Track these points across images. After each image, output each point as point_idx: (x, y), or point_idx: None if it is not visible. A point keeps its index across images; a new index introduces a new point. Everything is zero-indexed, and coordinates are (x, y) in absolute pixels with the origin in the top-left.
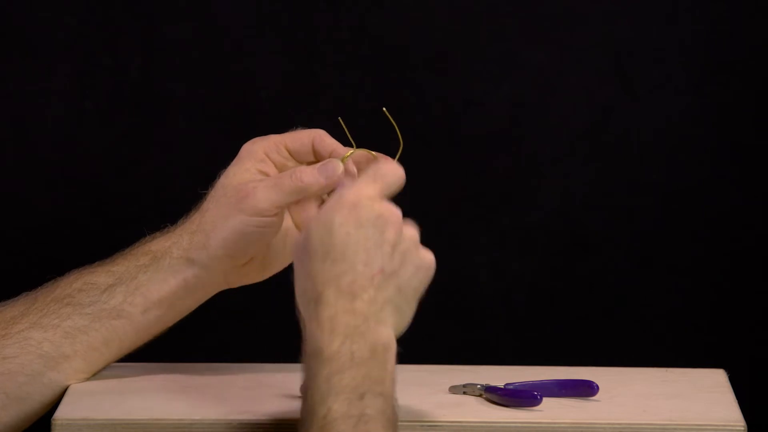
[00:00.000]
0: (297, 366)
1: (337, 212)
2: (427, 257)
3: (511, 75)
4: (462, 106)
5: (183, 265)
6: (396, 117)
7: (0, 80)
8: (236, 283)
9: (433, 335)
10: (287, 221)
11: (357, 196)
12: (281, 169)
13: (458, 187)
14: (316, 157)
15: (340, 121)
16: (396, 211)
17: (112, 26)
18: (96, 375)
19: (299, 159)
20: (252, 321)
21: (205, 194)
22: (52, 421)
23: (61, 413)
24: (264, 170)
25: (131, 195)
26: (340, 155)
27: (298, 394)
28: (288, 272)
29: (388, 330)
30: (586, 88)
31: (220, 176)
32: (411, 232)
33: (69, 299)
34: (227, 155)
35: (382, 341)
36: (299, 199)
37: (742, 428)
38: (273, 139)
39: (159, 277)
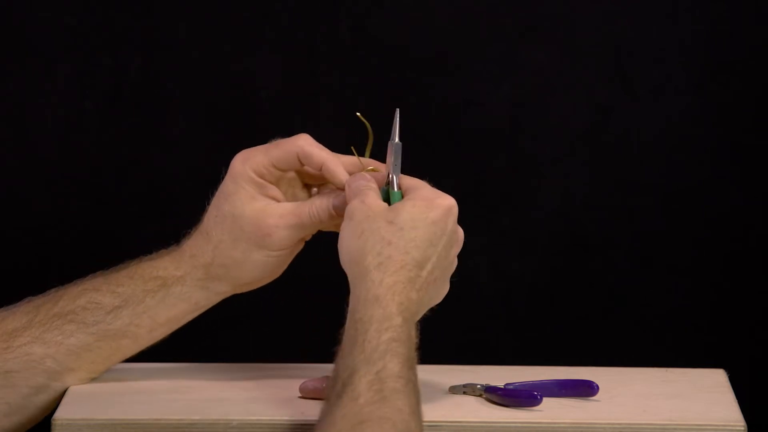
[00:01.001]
0: (297, 366)
1: (434, 210)
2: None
3: (511, 75)
4: (462, 106)
5: (195, 292)
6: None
7: (0, 80)
8: (243, 291)
9: (433, 335)
10: None
11: (451, 204)
12: (278, 184)
13: (458, 187)
14: (305, 167)
15: (360, 116)
16: (463, 236)
17: (112, 26)
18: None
19: (288, 170)
20: (252, 321)
21: (202, 216)
22: (52, 421)
23: (61, 413)
24: (270, 195)
25: (131, 195)
26: (331, 169)
27: (298, 394)
28: (285, 269)
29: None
30: (586, 88)
31: (219, 200)
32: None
33: (73, 316)
34: (227, 155)
35: (414, 335)
36: (315, 231)
37: (742, 428)
38: (260, 159)
39: (168, 303)
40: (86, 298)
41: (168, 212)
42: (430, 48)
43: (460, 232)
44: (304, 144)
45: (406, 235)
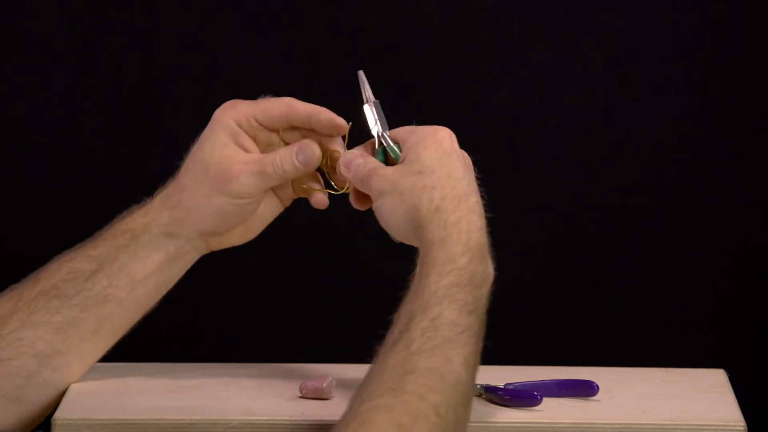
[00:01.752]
0: (297, 366)
1: (443, 142)
2: None
3: (511, 75)
4: (462, 106)
5: (164, 240)
6: (396, 117)
7: (0, 80)
8: (218, 247)
9: None
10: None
11: (450, 132)
12: (254, 137)
13: None
14: (294, 127)
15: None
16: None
17: (112, 26)
18: (96, 375)
19: (271, 128)
20: (252, 321)
21: (179, 165)
22: (52, 421)
23: (61, 413)
24: (240, 143)
25: (131, 195)
26: (317, 111)
27: (298, 394)
28: (285, 270)
29: (492, 265)
30: (586, 88)
31: (193, 146)
32: None
33: (55, 291)
34: None
35: (490, 272)
36: (280, 182)
37: (742, 428)
38: (243, 109)
39: (141, 254)
40: (65, 270)
41: None
42: (430, 48)
43: (467, 156)
44: (292, 100)
45: (441, 173)
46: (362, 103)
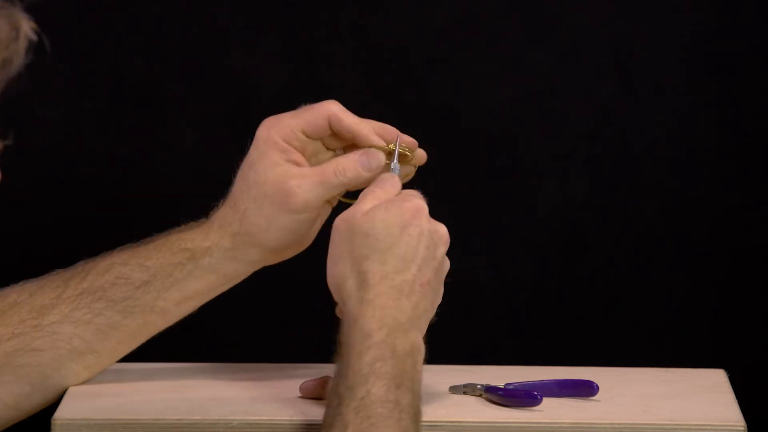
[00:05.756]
0: (296, 366)
1: (404, 214)
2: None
3: (511, 75)
4: (462, 106)
5: (224, 263)
6: (396, 117)
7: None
8: (273, 262)
9: (433, 335)
10: None
11: (420, 206)
12: (303, 152)
13: (458, 187)
14: (335, 134)
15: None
16: (446, 233)
17: (112, 26)
18: (96, 375)
19: (317, 138)
20: (252, 321)
21: (229, 189)
22: (52, 421)
23: (61, 413)
24: (293, 159)
25: (131, 195)
26: (363, 134)
27: (298, 394)
28: (286, 270)
29: (420, 337)
30: (586, 88)
31: (244, 168)
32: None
33: (101, 293)
34: (227, 155)
35: (417, 344)
36: (342, 191)
37: (742, 428)
38: (288, 124)
39: (197, 275)
40: (115, 273)
41: (168, 212)
42: (430, 48)
43: (441, 229)
44: (336, 109)
45: (382, 245)
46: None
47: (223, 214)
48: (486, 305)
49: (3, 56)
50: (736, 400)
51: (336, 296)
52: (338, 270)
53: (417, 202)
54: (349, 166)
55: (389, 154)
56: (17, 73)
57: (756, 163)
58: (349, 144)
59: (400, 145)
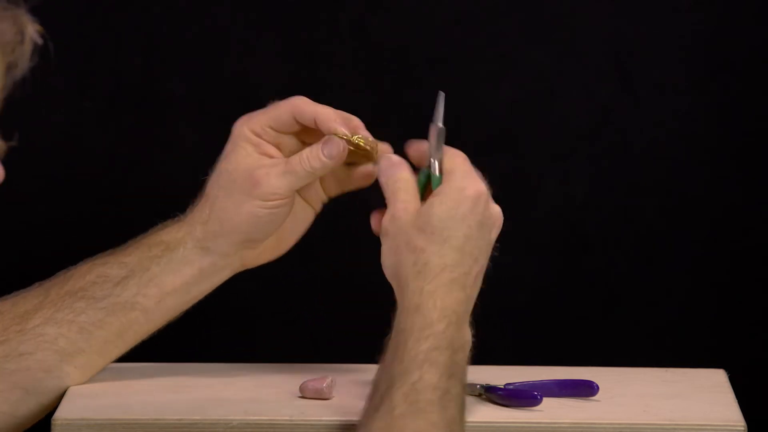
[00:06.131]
0: (297, 366)
1: (463, 203)
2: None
3: (511, 75)
4: (462, 106)
5: (198, 255)
6: (396, 117)
7: None
8: (252, 264)
9: None
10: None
11: (479, 192)
12: (276, 144)
13: None
14: (306, 128)
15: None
16: (500, 215)
17: (112, 26)
18: (96, 375)
19: (286, 132)
20: (252, 321)
21: (204, 181)
22: (52, 421)
23: (61, 413)
24: (264, 151)
25: (131, 195)
26: (324, 121)
27: (298, 394)
28: (286, 270)
29: (469, 328)
30: (586, 88)
31: (219, 162)
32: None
33: (83, 293)
34: None
35: (468, 337)
36: (309, 181)
37: (742, 428)
38: (258, 119)
39: (173, 268)
40: (95, 273)
41: (168, 212)
42: (430, 48)
43: (495, 212)
44: (299, 101)
45: (438, 238)
46: (429, 121)
47: (196, 206)
48: (486, 305)
49: (8, 59)
50: (736, 400)
51: (393, 284)
52: (394, 261)
53: (477, 188)
54: (312, 155)
55: (358, 147)
56: (22, 76)
57: (756, 163)
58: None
59: (362, 140)
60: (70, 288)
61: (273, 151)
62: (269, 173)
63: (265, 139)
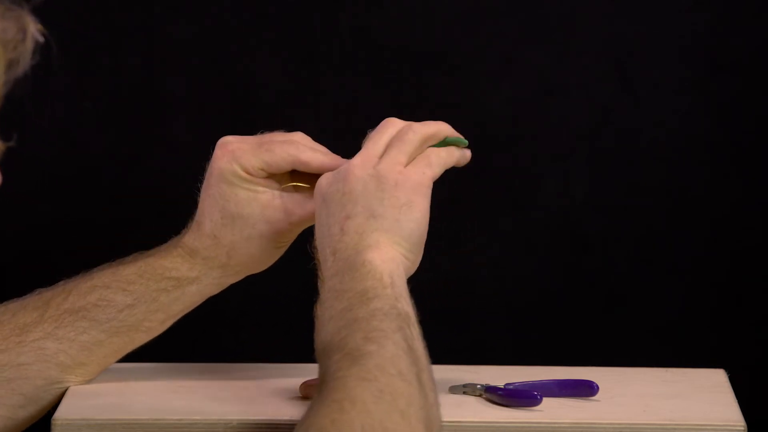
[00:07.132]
0: (296, 366)
1: (355, 170)
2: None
3: (511, 75)
4: (462, 106)
5: (212, 288)
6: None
7: None
8: (242, 276)
9: (433, 335)
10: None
11: (362, 161)
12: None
13: (458, 187)
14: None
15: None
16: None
17: (112, 26)
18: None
19: (279, 172)
20: (252, 321)
21: (198, 188)
22: (52, 421)
23: (61, 413)
24: (261, 184)
25: (131, 195)
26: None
27: (298, 394)
28: (286, 270)
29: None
30: (586, 89)
31: (219, 201)
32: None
33: (84, 313)
34: None
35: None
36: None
37: (742, 428)
38: (249, 161)
39: (184, 300)
40: (97, 295)
41: (168, 212)
42: (430, 48)
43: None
44: (299, 153)
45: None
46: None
47: (204, 245)
48: (486, 305)
49: (10, 57)
50: (736, 400)
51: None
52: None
53: (358, 158)
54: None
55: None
56: (23, 74)
57: (756, 163)
58: None
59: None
60: (70, 306)
61: (267, 181)
62: (293, 222)
63: (257, 178)
